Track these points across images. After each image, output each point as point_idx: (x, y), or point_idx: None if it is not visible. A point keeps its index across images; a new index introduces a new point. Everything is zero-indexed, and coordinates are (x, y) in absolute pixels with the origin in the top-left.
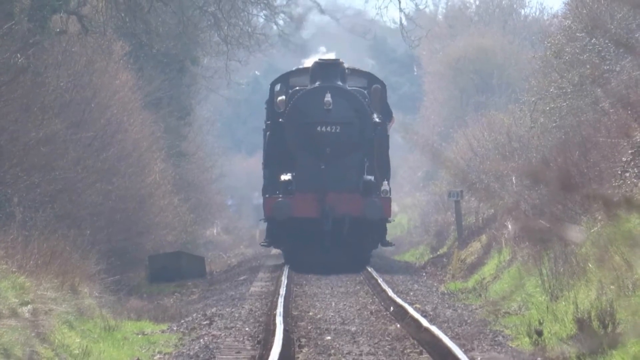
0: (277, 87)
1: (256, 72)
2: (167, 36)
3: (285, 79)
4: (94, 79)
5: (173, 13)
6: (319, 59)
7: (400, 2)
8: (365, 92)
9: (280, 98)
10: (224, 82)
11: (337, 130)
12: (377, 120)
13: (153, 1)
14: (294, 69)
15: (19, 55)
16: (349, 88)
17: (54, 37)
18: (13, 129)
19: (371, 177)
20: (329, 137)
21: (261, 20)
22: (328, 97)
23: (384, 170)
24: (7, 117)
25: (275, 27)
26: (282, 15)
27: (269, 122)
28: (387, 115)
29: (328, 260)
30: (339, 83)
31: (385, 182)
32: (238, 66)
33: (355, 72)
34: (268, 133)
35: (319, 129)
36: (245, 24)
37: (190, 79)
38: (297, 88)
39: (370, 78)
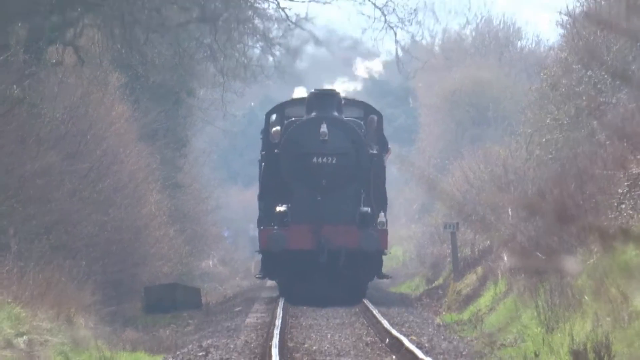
0: (273, 117)
1: (252, 103)
2: (163, 68)
3: (280, 109)
4: (90, 110)
5: (169, 44)
6: (315, 89)
7: (396, 34)
8: (362, 122)
9: (275, 129)
10: (220, 113)
11: (333, 162)
12: (373, 151)
13: (149, 33)
14: (289, 99)
15: (14, 87)
16: (345, 118)
17: (50, 69)
18: (8, 161)
19: (368, 209)
20: (325, 168)
21: (257, 51)
22: (324, 128)
23: (380, 201)
24: (2, 149)
25: (271, 58)
26: (278, 46)
27: (264, 152)
28: (383, 146)
29: (324, 293)
30: (335, 113)
31: (382, 214)
32: (234, 98)
33: (351, 102)
34: (263, 164)
35: (314, 160)
36: (242, 56)
37: (186, 110)
38: (293, 119)
39: (366, 108)
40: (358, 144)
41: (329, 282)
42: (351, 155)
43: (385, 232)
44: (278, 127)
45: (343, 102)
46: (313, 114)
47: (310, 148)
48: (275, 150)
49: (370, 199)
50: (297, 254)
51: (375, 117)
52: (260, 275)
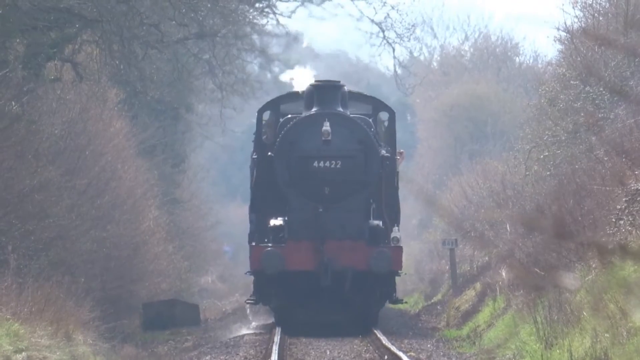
0: (266, 115)
1: (251, 119)
2: (162, 83)
3: (275, 105)
4: (89, 126)
5: (167, 60)
6: (316, 81)
7: (394, 50)
8: (370, 120)
9: (269, 128)
10: (218, 129)
11: (338, 166)
12: (385, 153)
13: (148, 48)
14: (285, 93)
15: (13, 103)
16: (351, 115)
17: (49, 85)
18: (7, 177)
19: (379, 222)
20: (327, 173)
21: (256, 67)
22: (326, 126)
23: (393, 213)
24: (1, 164)
25: (269, 74)
26: (276, 62)
27: (255, 156)
28: (396, 148)
29: (327, 322)
30: (340, 109)
31: (396, 228)
32: (233, 114)
33: (359, 97)
34: (255, 170)
35: (315, 164)
36: (240, 71)
37: (185, 126)
38: (290, 116)
39: (376, 104)
40: (367, 145)
41: (333, 309)
42: (359, 158)
43: (399, 250)
44: (272, 126)
45: (349, 96)
46: (314, 109)
47: (310, 150)
48: (269, 153)
49: (382, 211)
50: (296, 275)
51: (387, 114)
52: (252, 300)
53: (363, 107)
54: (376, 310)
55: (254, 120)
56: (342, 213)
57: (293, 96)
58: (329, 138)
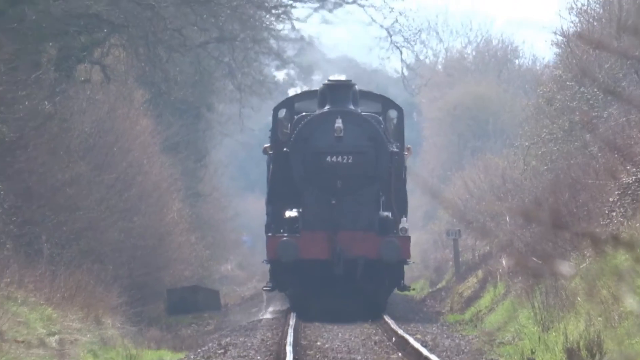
0: (281, 112)
1: (268, 118)
2: (185, 84)
3: (290, 103)
4: (116, 124)
5: (190, 63)
6: (328, 80)
7: (401, 53)
8: (380, 117)
9: (284, 125)
10: (237, 127)
11: (350, 161)
12: (394, 149)
13: (171, 52)
14: (299, 92)
15: (46, 103)
16: (362, 113)
17: (79, 86)
18: (41, 172)
19: (388, 214)
20: (340, 168)
21: (272, 69)
22: (339, 123)
23: (401, 205)
24: (35, 160)
25: (285, 75)
26: (292, 64)
27: (272, 152)
28: (404, 144)
29: (339, 308)
30: (351, 107)
31: (404, 219)
32: (251, 113)
33: (368, 95)
34: (271, 164)
35: (328, 159)
36: (258, 73)
37: (206, 124)
38: (304, 113)
39: (385, 102)
40: (377, 141)
41: (345, 296)
42: (369, 153)
43: (407, 240)
44: (287, 123)
45: (359, 94)
46: (326, 107)
47: (323, 146)
48: (284, 149)
49: (391, 203)
50: (310, 264)
51: (396, 112)
52: (268, 287)
53: (373, 105)
54: (385, 296)
55: (270, 119)
56: (354, 205)
57: (307, 95)
58: (342, 135)
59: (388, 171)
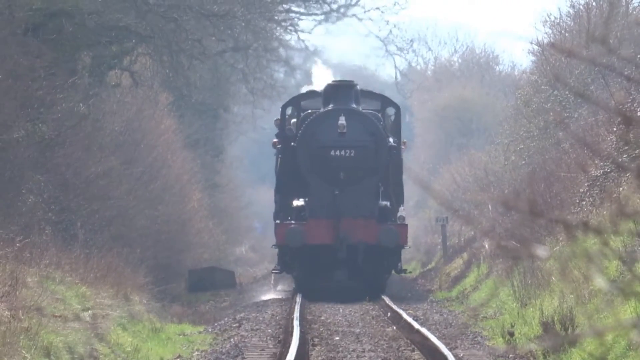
0: (289, 110)
1: (278, 118)
2: (204, 88)
3: (296, 101)
4: (143, 124)
5: (208, 69)
6: (332, 81)
7: (395, 61)
8: (379, 114)
9: (291, 121)
10: (250, 126)
11: (352, 155)
12: (392, 143)
13: (192, 60)
14: (305, 91)
15: (81, 105)
16: (363, 110)
17: (110, 90)
18: (76, 166)
19: (387, 203)
20: (343, 161)
21: (281, 75)
22: (342, 120)
23: (399, 195)
24: (71, 155)
25: (293, 80)
26: (298, 70)
27: (280, 146)
28: (401, 139)
29: (342, 289)
30: (353, 105)
31: (401, 208)
32: (262, 113)
33: (369, 94)
34: (279, 157)
35: (332, 153)
36: (269, 78)
37: (223, 123)
38: (310, 111)
39: (383, 100)
40: (377, 136)
41: (347, 278)
42: (370, 148)
43: (405, 227)
44: (294, 120)
45: (360, 93)
46: (330, 106)
47: (327, 141)
48: (292, 144)
49: (389, 193)
50: (316, 249)
51: (394, 109)
52: (277, 270)
53: (373, 103)
54: (385, 278)
55: (279, 116)
56: (356, 195)
57: (312, 94)
58: (344, 131)
59: (387, 164)
